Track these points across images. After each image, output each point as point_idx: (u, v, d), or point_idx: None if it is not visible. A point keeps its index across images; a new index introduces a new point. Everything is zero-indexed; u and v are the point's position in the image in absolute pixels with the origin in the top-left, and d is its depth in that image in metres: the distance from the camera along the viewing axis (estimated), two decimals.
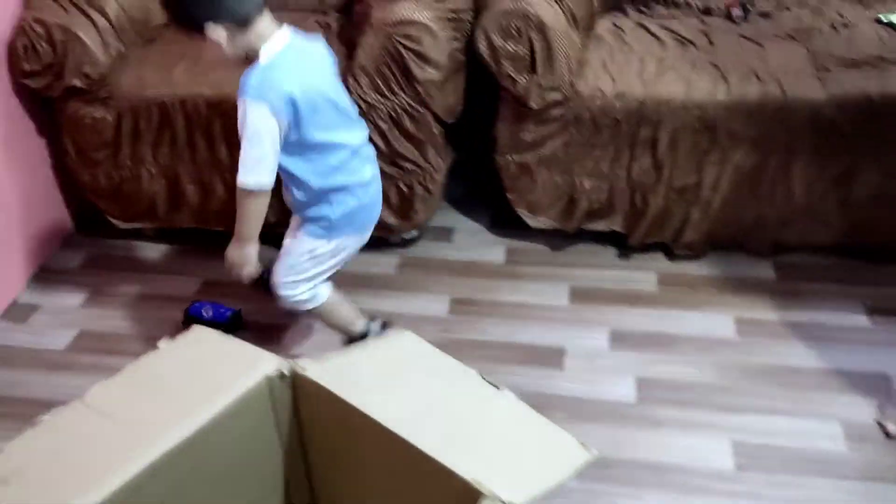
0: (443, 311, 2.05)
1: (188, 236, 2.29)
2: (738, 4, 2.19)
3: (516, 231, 2.26)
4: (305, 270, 1.66)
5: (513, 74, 1.94)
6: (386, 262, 2.22)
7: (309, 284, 1.69)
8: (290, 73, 1.47)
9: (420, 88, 1.94)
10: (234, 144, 2.05)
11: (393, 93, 1.96)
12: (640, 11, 2.26)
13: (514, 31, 1.89)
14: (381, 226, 2.15)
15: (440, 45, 1.90)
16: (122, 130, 2.07)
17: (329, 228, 1.63)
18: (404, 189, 2.11)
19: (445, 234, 2.32)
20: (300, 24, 2.22)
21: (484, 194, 2.38)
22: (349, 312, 1.81)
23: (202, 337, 1.30)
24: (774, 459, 1.61)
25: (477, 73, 2.06)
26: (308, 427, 1.24)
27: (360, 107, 1.96)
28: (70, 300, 2.13)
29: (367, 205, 1.68)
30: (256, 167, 1.48)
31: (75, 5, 2.01)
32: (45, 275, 2.22)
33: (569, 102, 1.96)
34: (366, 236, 1.74)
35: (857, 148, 1.90)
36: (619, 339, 1.91)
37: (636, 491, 1.57)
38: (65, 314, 2.09)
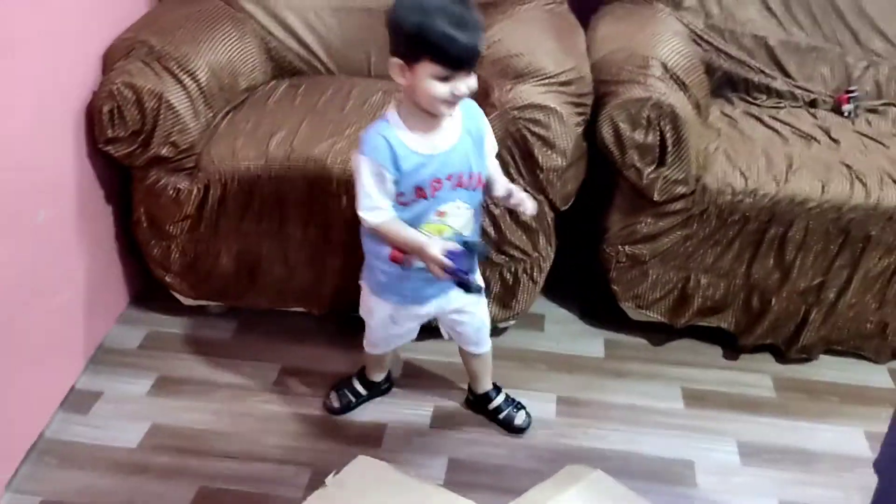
0: (550, 413, 1.90)
1: (256, 315, 2.12)
2: (847, 100, 2.14)
3: (611, 322, 2.14)
4: None
5: (638, 165, 1.83)
6: None
7: None
8: None
9: (542, 175, 1.83)
10: (330, 226, 1.91)
11: (511, 179, 1.83)
12: (744, 100, 2.19)
13: (643, 121, 1.79)
14: None
15: (569, 132, 1.79)
16: (206, 203, 1.91)
17: None
18: (508, 277, 1.97)
19: (536, 322, 2.18)
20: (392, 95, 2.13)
21: (571, 281, 2.26)
22: None
23: (369, 469, 1.14)
24: None
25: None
26: None
27: None
28: (135, 387, 1.93)
29: None
30: None
31: (167, 69, 1.86)
32: (104, 356, 2.02)
33: (694, 196, 1.86)
34: None
35: None
36: (751, 454, 1.79)
37: None
38: (131, 403, 1.89)
